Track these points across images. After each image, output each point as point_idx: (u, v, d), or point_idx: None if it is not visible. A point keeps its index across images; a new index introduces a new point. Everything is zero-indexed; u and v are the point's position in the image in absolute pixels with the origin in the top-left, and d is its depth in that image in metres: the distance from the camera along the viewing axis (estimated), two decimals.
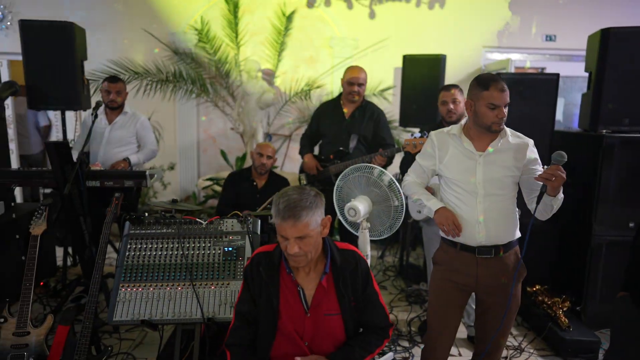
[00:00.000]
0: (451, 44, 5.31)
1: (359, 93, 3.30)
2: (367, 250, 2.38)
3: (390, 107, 5.12)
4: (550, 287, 3.23)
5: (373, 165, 2.26)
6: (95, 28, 4.99)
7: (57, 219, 3.28)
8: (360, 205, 2.22)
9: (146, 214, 2.11)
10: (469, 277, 1.90)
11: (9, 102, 5.37)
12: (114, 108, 3.32)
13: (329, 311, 1.53)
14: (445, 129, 1.98)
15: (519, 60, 5.77)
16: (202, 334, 2.00)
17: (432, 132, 2.00)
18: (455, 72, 5.10)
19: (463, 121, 1.99)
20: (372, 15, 5.43)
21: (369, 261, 2.27)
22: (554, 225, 3.22)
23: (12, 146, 5.22)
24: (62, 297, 3.11)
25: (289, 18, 5.28)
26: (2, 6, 5.22)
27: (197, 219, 2.11)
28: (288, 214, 1.40)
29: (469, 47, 5.46)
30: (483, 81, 1.80)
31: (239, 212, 2.14)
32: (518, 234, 1.94)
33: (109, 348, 2.08)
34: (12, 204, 3.21)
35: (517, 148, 1.85)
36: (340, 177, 2.37)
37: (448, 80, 3.99)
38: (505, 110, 1.80)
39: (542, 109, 3.17)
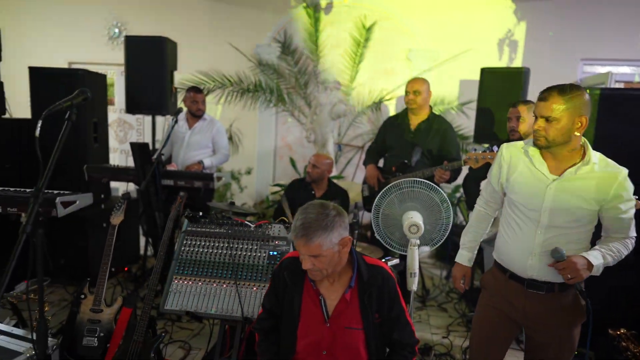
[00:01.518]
0: (541, 56, 4.94)
1: (415, 101, 3.23)
2: (414, 268, 2.31)
3: (469, 122, 4.90)
4: (638, 333, 2.84)
5: (423, 180, 2.19)
6: (187, 41, 5.49)
7: (143, 212, 3.66)
8: (420, 222, 2.15)
9: (201, 214, 2.28)
10: (516, 309, 1.73)
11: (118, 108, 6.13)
12: (199, 116, 3.63)
13: (350, 324, 1.53)
14: (520, 143, 1.77)
15: (622, 74, 5.18)
16: (247, 333, 2.11)
17: (504, 145, 1.82)
18: (543, 87, 4.73)
19: None
20: (453, 26, 5.26)
21: (415, 279, 2.21)
22: None
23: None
24: (138, 283, 3.46)
25: (369, 30, 5.33)
26: (119, 24, 5.98)
27: (246, 222, 2.23)
28: (301, 233, 1.43)
29: (562, 59, 5.03)
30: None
31: (285, 219, 2.22)
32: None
33: (163, 334, 2.28)
34: (103, 196, 3.64)
35: (603, 177, 1.58)
36: (392, 186, 2.31)
37: (532, 95, 3.74)
38: (551, 127, 1.55)
39: None
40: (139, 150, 2.89)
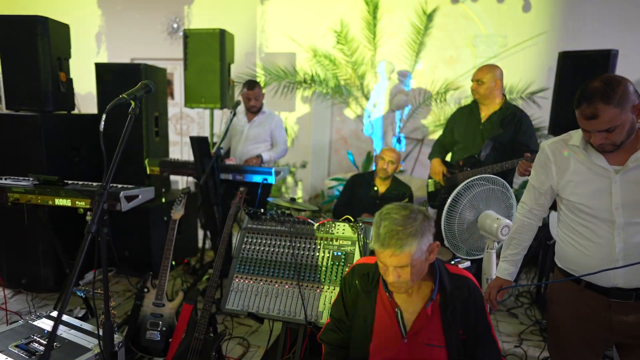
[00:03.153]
0: (625, 39, 4.43)
1: (478, 91, 2.99)
2: (491, 273, 2.11)
3: (541, 112, 4.52)
4: None
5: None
6: (245, 33, 5.49)
7: (202, 206, 3.68)
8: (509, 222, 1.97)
9: (262, 210, 2.19)
10: (599, 324, 1.48)
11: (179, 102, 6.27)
12: (256, 112, 3.57)
13: (430, 341, 1.36)
14: (563, 138, 1.57)
15: None
16: (309, 336, 2.00)
17: (545, 143, 1.61)
18: (633, 72, 4.24)
19: None
20: (526, 8, 4.85)
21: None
22: None
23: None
24: (197, 276, 3.47)
25: (430, 17, 5.05)
26: (177, 19, 6.09)
27: (309, 220, 2.11)
28: (388, 242, 1.25)
29: None
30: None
31: (350, 217, 2.08)
32: None
33: (224, 333, 2.23)
34: (163, 190, 3.69)
35: None
36: (465, 185, 2.12)
37: None
38: (614, 134, 1.35)
39: None
40: (198, 144, 2.87)
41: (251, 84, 3.54)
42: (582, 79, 3.61)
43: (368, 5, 5.16)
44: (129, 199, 2.40)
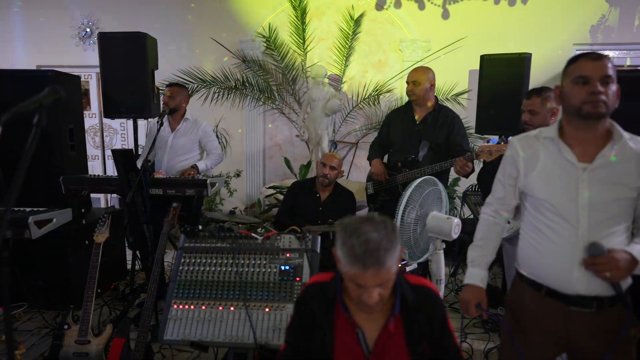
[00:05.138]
0: (535, 43, 4.80)
1: (414, 92, 3.04)
2: (441, 274, 2.11)
3: (465, 112, 4.73)
4: None
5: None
6: (168, 38, 5.18)
7: (128, 224, 3.36)
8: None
9: (200, 227, 2.01)
10: (556, 334, 1.44)
11: (96, 112, 5.76)
12: (170, 111, 3.33)
13: (396, 359, 1.28)
14: (534, 132, 1.51)
15: (616, 57, 5.09)
16: None
17: (515, 138, 1.54)
18: (541, 73, 4.59)
19: (556, 120, 1.50)
20: (445, 15, 5.09)
21: (442, 286, 2.01)
22: None
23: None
24: (128, 302, 3.15)
25: (357, 22, 5.11)
26: (90, 23, 5.60)
27: (253, 234, 1.97)
28: (370, 262, 1.12)
29: (556, 45, 4.91)
30: (573, 57, 1.40)
31: (297, 228, 1.97)
32: (630, 280, 1.42)
33: None
34: (83, 210, 3.33)
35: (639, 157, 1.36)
36: (414, 187, 2.11)
37: (534, 83, 3.57)
38: (610, 90, 1.32)
39: None
40: (122, 157, 2.60)
41: (172, 83, 3.33)
42: (502, 80, 3.83)
43: (296, 10, 5.10)
44: (41, 224, 2.10)
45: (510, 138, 1.59)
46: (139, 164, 2.73)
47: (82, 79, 4.07)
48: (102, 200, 5.93)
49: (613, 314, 1.39)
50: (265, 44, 5.20)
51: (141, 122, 4.35)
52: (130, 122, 4.49)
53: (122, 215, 3.60)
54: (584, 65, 1.34)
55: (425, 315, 1.30)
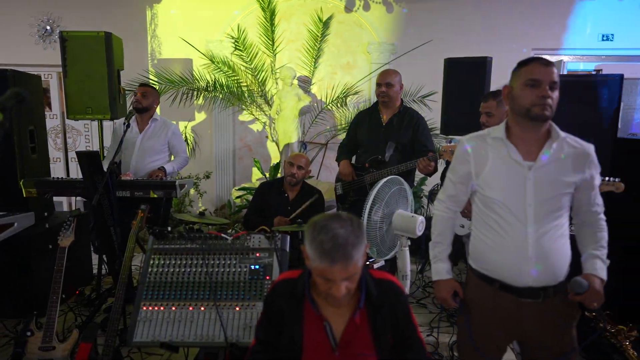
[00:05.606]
0: (497, 46, 5.00)
1: (388, 94, 3.11)
2: (407, 270, 2.19)
3: (432, 114, 4.88)
4: (613, 314, 2.89)
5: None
6: (134, 38, 5.09)
7: (94, 227, 3.29)
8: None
9: (169, 228, 2.01)
10: (510, 324, 1.53)
11: (57, 113, 5.58)
12: (139, 110, 3.29)
13: (362, 350, 1.34)
14: (483, 132, 1.58)
15: (572, 62, 5.38)
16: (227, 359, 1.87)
17: (464, 138, 1.60)
18: (502, 76, 4.77)
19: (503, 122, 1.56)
20: (412, 18, 5.22)
21: (408, 282, 2.09)
22: (616, 245, 2.89)
23: None
24: (94, 307, 3.09)
25: (326, 24, 5.17)
26: (50, 20, 5.43)
27: (223, 235, 1.99)
28: (339, 256, 1.17)
29: (516, 48, 5.13)
30: (523, 60, 1.47)
31: (266, 228, 2.00)
32: (568, 269, 1.53)
33: None
34: (46, 213, 3.24)
35: (576, 156, 1.46)
36: (380, 187, 2.18)
37: (495, 84, 3.73)
38: (554, 94, 1.40)
39: (602, 114, 2.86)
40: (88, 159, 2.55)
41: (144, 83, 3.32)
42: (465, 82, 3.99)
43: (264, 12, 5.11)
44: (1, 228, 2.05)
45: (460, 138, 1.64)
46: (105, 165, 2.68)
47: (42, 79, 3.94)
48: (64, 204, 5.75)
49: (556, 301, 1.50)
50: (234, 45, 5.19)
51: (107, 124, 4.27)
52: (95, 123, 4.39)
53: (87, 219, 3.52)
54: (535, 70, 1.41)
55: (389, 308, 1.36)
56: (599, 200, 1.55)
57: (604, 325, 2.78)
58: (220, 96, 5.03)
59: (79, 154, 2.61)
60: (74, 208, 5.67)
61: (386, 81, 3.10)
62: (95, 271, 3.78)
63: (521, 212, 1.45)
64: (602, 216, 1.57)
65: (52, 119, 5.55)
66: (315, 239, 1.21)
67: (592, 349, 2.78)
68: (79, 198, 3.23)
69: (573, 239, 1.60)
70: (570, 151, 1.47)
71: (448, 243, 1.68)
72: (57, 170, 5.56)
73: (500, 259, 1.51)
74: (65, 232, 2.26)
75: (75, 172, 5.65)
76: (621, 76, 2.86)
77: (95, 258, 3.88)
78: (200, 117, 5.24)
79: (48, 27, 5.43)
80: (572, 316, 1.55)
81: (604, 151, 2.63)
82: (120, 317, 1.98)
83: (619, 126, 5.14)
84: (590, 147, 1.50)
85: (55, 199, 3.51)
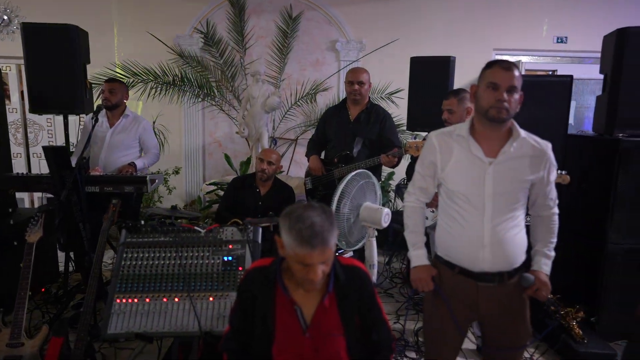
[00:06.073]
0: (461, 46, 5.20)
1: (360, 92, 3.22)
2: (374, 260, 2.30)
3: (399, 110, 5.03)
4: (562, 297, 3.12)
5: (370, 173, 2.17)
6: (100, 31, 4.98)
7: (60, 224, 3.24)
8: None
9: (142, 222, 2.04)
10: (469, 305, 1.67)
11: (17, 107, 5.39)
12: (109, 107, 3.27)
13: (330, 331, 1.43)
14: (449, 129, 1.68)
15: (530, 62, 5.66)
16: (201, 348, 1.93)
17: (432, 133, 1.71)
18: (465, 75, 4.99)
19: (469, 119, 1.68)
20: (379, 17, 5.35)
21: (375, 271, 2.20)
22: (566, 231, 3.11)
23: None
24: (62, 304, 3.05)
25: (295, 20, 5.22)
26: (8, 10, 5.23)
27: (196, 227, 2.04)
28: (317, 242, 1.26)
29: (478, 48, 5.35)
30: (490, 62, 1.57)
31: (238, 220, 2.06)
32: (524, 256, 1.67)
33: None
34: (10, 209, 3.16)
35: (534, 153, 1.58)
36: (346, 182, 2.28)
37: (457, 83, 3.90)
38: (513, 98, 1.51)
39: (554, 112, 3.06)
40: (55, 154, 2.52)
41: (110, 78, 3.29)
42: (430, 80, 4.15)
43: (234, 7, 5.12)
44: None
45: (428, 134, 1.75)
46: (73, 161, 2.66)
47: (1, 71, 3.82)
48: (26, 200, 5.57)
49: (510, 286, 1.65)
50: (203, 40, 5.16)
51: (72, 118, 4.17)
52: (59, 118, 4.28)
53: (53, 215, 3.45)
54: (496, 73, 1.51)
55: (356, 291, 1.47)
56: (553, 194, 1.69)
57: (555, 308, 3.00)
58: (189, 92, 5.00)
59: (46, 149, 2.57)
60: (36, 205, 5.51)
61: (358, 80, 3.20)
62: (61, 269, 3.73)
63: (480, 204, 1.58)
64: (556, 210, 1.72)
65: (12, 113, 5.36)
66: (293, 227, 1.29)
67: (544, 329, 2.99)
68: (43, 194, 3.17)
69: (529, 229, 1.75)
70: (528, 150, 1.58)
71: (422, 231, 1.80)
72: (17, 166, 5.38)
73: (459, 246, 1.65)
74: (33, 228, 2.24)
75: (38, 168, 5.49)
76: (571, 77, 3.07)
77: (61, 255, 3.81)
78: (169, 112, 5.19)
79: (5, 17, 5.23)
80: (524, 299, 1.69)
81: (556, 147, 2.82)
82: (92, 310, 2.00)
83: (572, 123, 5.49)
84: (548, 146, 1.62)
85: (17, 195, 3.42)
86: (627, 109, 2.82)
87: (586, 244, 3.12)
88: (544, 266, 1.65)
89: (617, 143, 2.81)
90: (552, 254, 1.68)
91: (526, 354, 2.80)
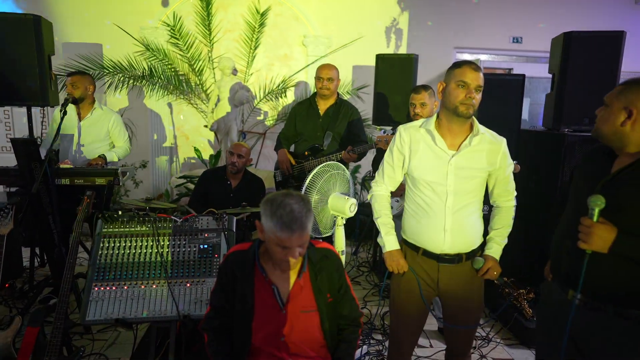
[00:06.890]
0: (423, 44, 5.42)
1: (329, 88, 3.34)
2: (342, 246, 2.43)
3: (364, 106, 5.19)
4: (517, 280, 3.37)
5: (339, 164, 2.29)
6: (64, 22, 4.86)
7: (24, 219, 3.19)
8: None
9: (119, 212, 2.08)
10: (432, 282, 1.84)
11: None
12: (74, 101, 3.24)
13: (305, 308, 1.57)
14: (417, 123, 1.83)
15: (488, 60, 5.95)
16: (178, 332, 2.00)
17: (401, 127, 1.85)
18: (427, 72, 5.21)
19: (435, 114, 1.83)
20: (345, 14, 5.47)
21: (343, 257, 2.33)
22: (519, 219, 3.36)
23: None
24: (29, 299, 3.02)
25: (263, 15, 5.27)
26: None
27: (172, 217, 2.10)
28: (296, 226, 1.39)
29: (440, 47, 5.58)
30: (458, 62, 1.72)
31: (214, 210, 2.14)
32: (481, 240, 1.87)
33: (82, 348, 2.05)
34: None
35: (491, 148, 1.75)
36: (314, 173, 2.39)
37: (420, 80, 4.10)
38: (477, 96, 1.67)
39: (509, 108, 3.29)
40: (25, 147, 2.50)
41: (72, 72, 3.27)
42: (395, 77, 4.31)
43: (201, 0, 5.10)
44: None
45: (397, 127, 1.91)
46: (42, 153, 2.64)
47: None
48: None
49: (467, 265, 1.84)
50: (170, 33, 5.13)
51: (35, 110, 4.08)
52: (17, 110, 4.17)
53: (21, 208, 3.39)
54: (467, 73, 1.66)
55: (327, 270, 1.61)
56: (511, 187, 1.88)
57: (509, 291, 3.25)
58: (157, 84, 4.97)
59: (14, 141, 2.55)
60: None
61: (328, 76, 3.31)
62: (25, 263, 3.65)
63: (443, 193, 1.74)
64: (513, 202, 1.91)
65: None
66: (274, 213, 1.40)
67: (499, 310, 3.24)
68: (5, 188, 3.11)
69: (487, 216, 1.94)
70: (486, 145, 1.74)
71: (391, 217, 1.96)
72: None
73: (423, 230, 1.82)
74: (3, 220, 2.24)
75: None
76: (523, 76, 3.31)
77: (25, 250, 3.73)
78: (136, 105, 5.13)
79: None
80: (478, 278, 1.87)
81: (510, 141, 3.05)
82: (67, 300, 2.02)
83: (527, 119, 5.82)
84: (503, 141, 1.79)
85: None
86: (573, 106, 3.08)
87: (537, 230, 3.39)
88: (495, 252, 1.85)
89: (563, 137, 3.07)
90: (505, 241, 1.88)
91: (483, 332, 3.02)
